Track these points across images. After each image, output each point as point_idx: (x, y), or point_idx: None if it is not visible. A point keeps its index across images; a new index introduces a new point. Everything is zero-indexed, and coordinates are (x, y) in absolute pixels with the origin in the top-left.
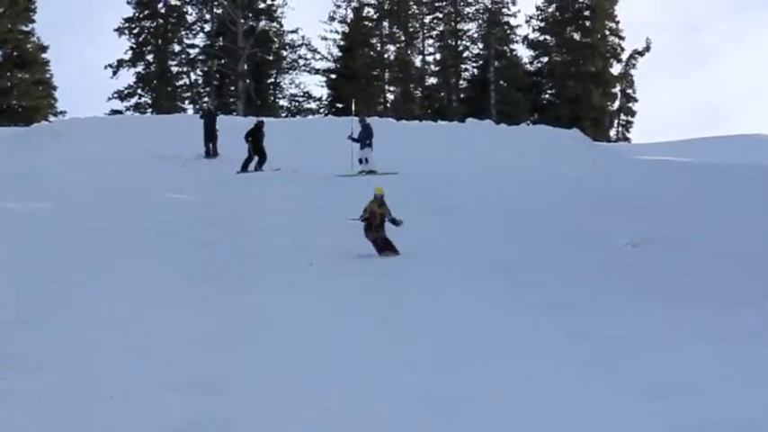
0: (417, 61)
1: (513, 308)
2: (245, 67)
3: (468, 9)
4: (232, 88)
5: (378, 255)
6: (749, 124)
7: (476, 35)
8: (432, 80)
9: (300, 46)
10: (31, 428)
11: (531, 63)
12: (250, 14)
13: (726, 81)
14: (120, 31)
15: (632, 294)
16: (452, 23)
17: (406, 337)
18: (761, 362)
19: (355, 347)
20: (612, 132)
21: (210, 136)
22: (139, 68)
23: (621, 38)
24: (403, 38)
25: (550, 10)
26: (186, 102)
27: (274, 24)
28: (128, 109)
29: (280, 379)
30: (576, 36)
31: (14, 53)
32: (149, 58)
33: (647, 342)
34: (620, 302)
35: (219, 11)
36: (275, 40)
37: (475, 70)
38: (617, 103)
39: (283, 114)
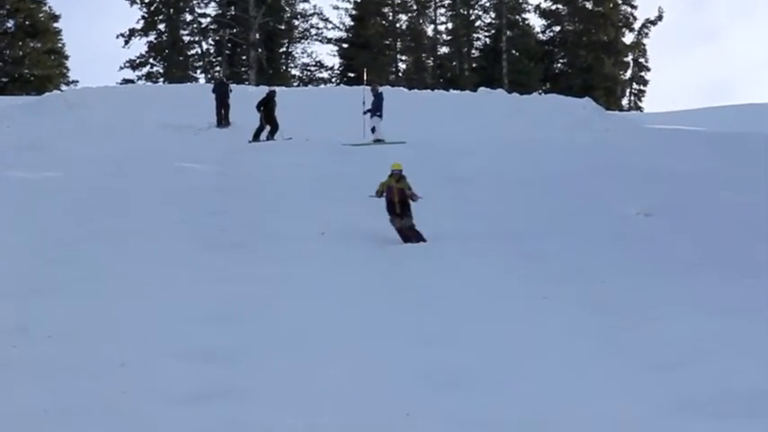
0: (429, 30)
1: (523, 278)
2: (257, 36)
3: None
4: (244, 58)
5: (402, 242)
6: (759, 96)
7: (488, 4)
8: (444, 49)
9: (312, 15)
10: (41, 396)
11: (543, 32)
12: None
13: (733, 56)
14: (131, 0)
15: (643, 264)
16: None
17: (416, 308)
18: (766, 332)
19: (366, 319)
20: (625, 101)
21: (223, 105)
22: (151, 38)
23: (634, 7)
24: (415, 7)
25: None
26: (198, 71)
27: None
28: (139, 78)
29: (291, 349)
30: (588, 5)
31: (26, 22)
32: (161, 27)
33: (658, 312)
34: (631, 272)
35: None
36: (287, 9)
37: (487, 39)
38: (629, 73)
39: (295, 84)
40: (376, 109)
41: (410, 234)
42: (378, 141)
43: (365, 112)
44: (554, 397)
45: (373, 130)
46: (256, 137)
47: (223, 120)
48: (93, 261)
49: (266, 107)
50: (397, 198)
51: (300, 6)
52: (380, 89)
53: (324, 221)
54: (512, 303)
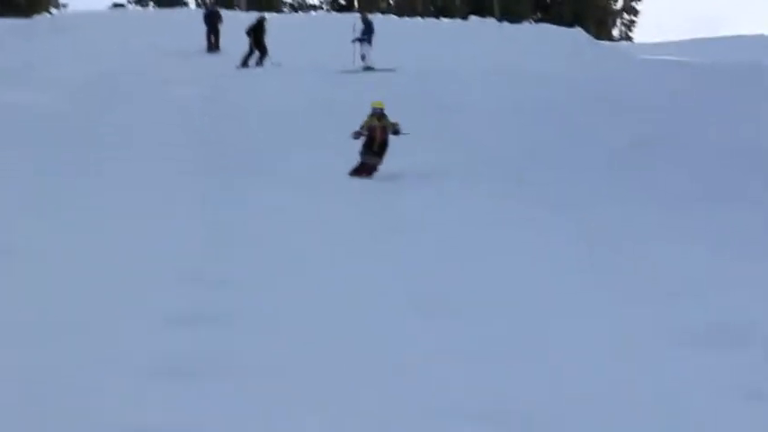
0: None
1: (512, 206)
2: None
3: None
4: None
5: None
6: (747, 29)
7: None
8: None
9: None
10: (29, 312)
11: None
12: None
13: None
14: None
15: (632, 195)
16: None
17: (405, 235)
18: (759, 264)
19: (355, 246)
20: (615, 32)
21: (213, 31)
22: None
23: None
24: None
25: None
26: None
27: None
28: (129, 3)
29: (281, 275)
30: None
31: None
32: None
33: (650, 243)
34: (620, 203)
35: None
36: None
37: None
38: (620, 2)
39: (285, 10)
40: (365, 35)
41: (368, 171)
42: (367, 69)
43: (354, 40)
44: (540, 327)
45: (363, 57)
46: (245, 62)
47: (213, 45)
48: (77, 186)
49: (256, 33)
50: (380, 138)
51: None
52: (370, 17)
53: (311, 144)
54: (498, 231)
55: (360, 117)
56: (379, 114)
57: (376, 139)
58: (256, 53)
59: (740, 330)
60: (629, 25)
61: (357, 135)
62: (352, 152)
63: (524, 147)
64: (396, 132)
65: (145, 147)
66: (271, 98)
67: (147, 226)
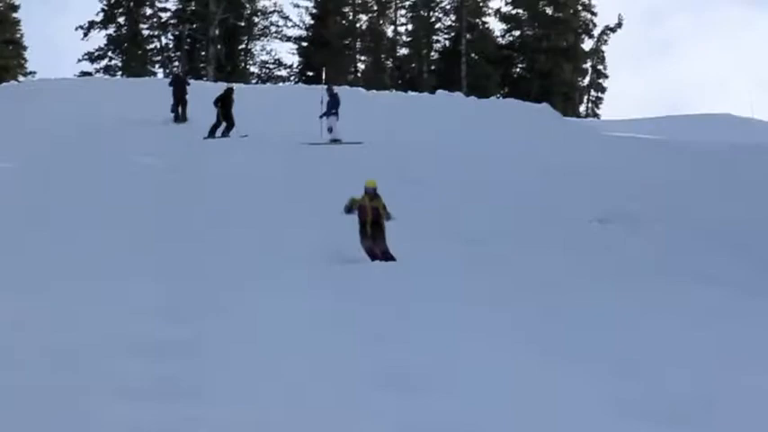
0: (389, 31)
1: (478, 279)
2: (216, 32)
3: None
4: (203, 53)
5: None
6: (710, 109)
7: (448, 7)
8: (403, 51)
9: (272, 12)
10: None
11: (502, 36)
12: None
13: (687, 70)
14: None
15: (598, 271)
16: None
17: (369, 306)
18: (725, 338)
19: (322, 315)
20: (582, 108)
21: (180, 101)
22: (110, 30)
23: (594, 13)
24: (375, 7)
25: None
26: (157, 66)
27: None
28: (98, 71)
29: (244, 344)
30: (549, 10)
31: None
32: (120, 20)
33: (612, 319)
34: (585, 280)
35: None
36: (247, 5)
37: (447, 42)
38: (587, 79)
39: (254, 81)
40: (332, 109)
41: (380, 254)
42: (334, 141)
43: (321, 116)
44: (505, 402)
45: (330, 130)
46: (212, 133)
47: (180, 115)
48: (38, 254)
49: (224, 103)
50: (370, 218)
51: (261, 3)
52: (336, 90)
53: (278, 218)
54: (468, 309)
55: (328, 190)
56: (371, 194)
57: (365, 220)
58: (223, 124)
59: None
60: (596, 102)
61: (348, 210)
62: (317, 225)
63: (487, 220)
64: (386, 218)
65: (102, 214)
66: (236, 171)
67: (100, 294)
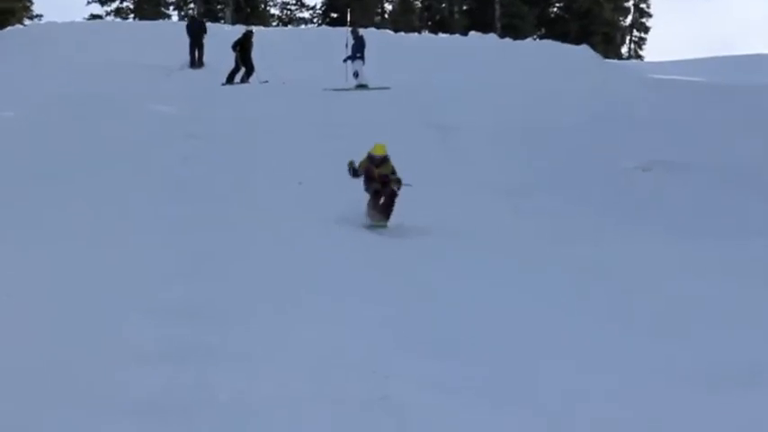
0: None
1: (515, 238)
2: None
3: None
4: None
5: (367, 217)
6: (763, 48)
7: None
8: None
9: None
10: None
11: None
12: None
13: (737, 7)
14: None
15: (642, 224)
16: None
17: (400, 272)
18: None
19: (341, 272)
20: (624, 49)
21: (196, 45)
22: None
23: None
24: None
25: None
26: (171, 8)
27: None
28: (108, 14)
29: (263, 306)
30: None
31: None
32: None
33: (657, 276)
34: (626, 231)
35: None
36: None
37: None
38: (629, 19)
39: (274, 23)
40: (357, 52)
41: (385, 200)
42: (360, 87)
43: (346, 59)
44: (545, 363)
45: (356, 75)
46: (230, 79)
47: (197, 60)
48: (49, 210)
49: (242, 48)
50: (378, 184)
51: None
52: (361, 32)
53: (301, 171)
54: (507, 262)
55: (353, 140)
56: (378, 161)
57: (380, 192)
58: (242, 69)
59: (743, 371)
60: (639, 43)
61: (354, 173)
62: (342, 174)
63: (524, 169)
64: (396, 186)
65: (119, 167)
66: (257, 119)
67: (116, 254)
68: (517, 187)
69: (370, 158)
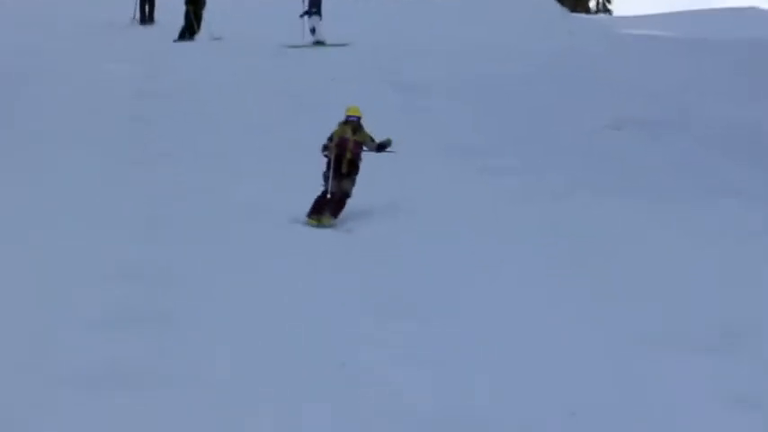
0: None
1: (480, 197)
2: None
3: None
4: None
5: (312, 206)
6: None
7: None
8: None
9: None
10: None
11: None
12: None
13: None
14: None
15: (608, 185)
16: None
17: (362, 218)
18: (741, 259)
19: (302, 240)
20: (592, 3)
21: (147, 0)
22: None
23: None
24: None
25: None
26: None
27: None
28: None
29: (220, 272)
30: None
31: None
32: None
33: (624, 236)
34: (595, 194)
35: None
36: None
37: None
38: None
39: None
40: (313, 7)
41: (334, 202)
42: (318, 43)
43: (302, 14)
44: (515, 331)
45: (313, 31)
46: (182, 36)
47: (147, 17)
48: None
49: (194, 3)
50: (350, 154)
51: None
52: None
53: (257, 126)
54: (469, 226)
55: (309, 98)
56: (355, 124)
57: (343, 155)
58: (195, 25)
59: (728, 333)
60: None
61: (328, 150)
62: (300, 131)
63: (490, 129)
64: (380, 149)
65: (70, 129)
66: (210, 76)
67: (73, 217)
68: (485, 147)
69: (347, 122)
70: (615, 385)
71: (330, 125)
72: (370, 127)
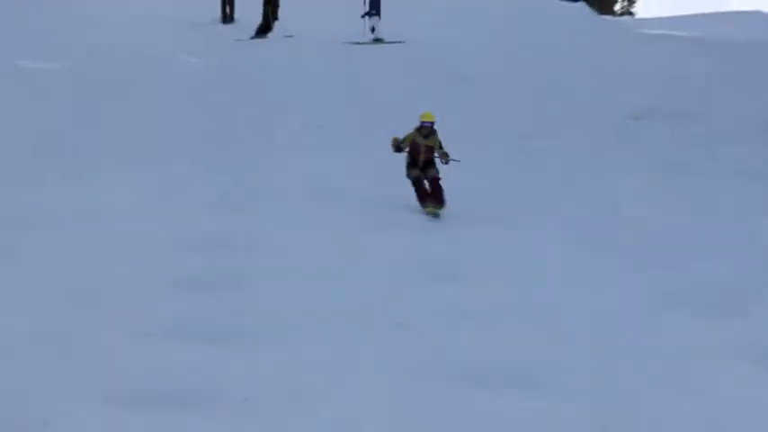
0: None
1: (516, 172)
2: None
3: None
4: None
5: (419, 205)
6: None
7: None
8: None
9: None
10: (49, 281)
11: None
12: None
13: None
14: None
15: (630, 168)
16: None
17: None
18: (746, 233)
19: (361, 215)
20: (617, 7)
21: (227, 0)
22: None
23: None
24: None
25: None
26: None
27: None
28: None
29: (291, 240)
30: None
31: None
32: None
33: (644, 211)
34: (618, 172)
35: None
36: None
37: None
38: None
39: None
40: (373, 8)
41: (431, 189)
42: (377, 41)
43: (363, 15)
44: (543, 293)
45: (372, 29)
46: (258, 33)
47: (227, 16)
48: (89, 151)
49: (271, 3)
50: (424, 157)
51: None
52: None
53: (323, 114)
54: (504, 200)
55: (370, 90)
56: (428, 130)
57: (418, 157)
58: (271, 23)
59: (722, 297)
60: (631, 1)
61: (398, 148)
62: (363, 117)
63: (528, 116)
64: (443, 158)
65: (154, 117)
66: (283, 70)
67: (157, 190)
68: (524, 133)
69: (419, 129)
70: (637, 340)
71: (386, 113)
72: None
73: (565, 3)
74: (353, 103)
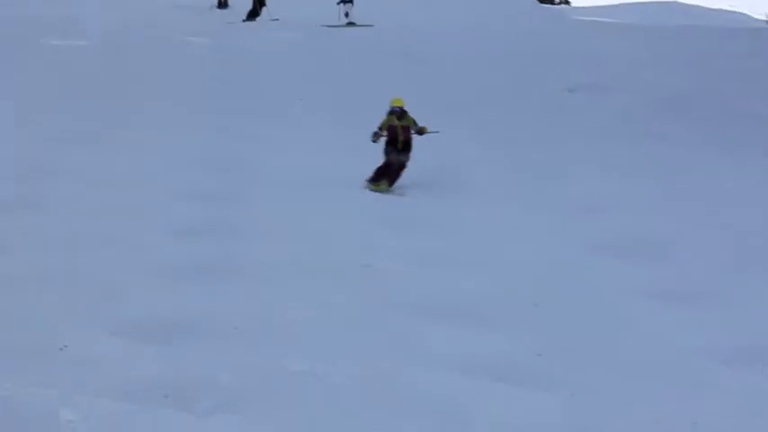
0: None
1: (464, 142)
2: None
3: None
4: None
5: (371, 178)
6: None
7: None
8: None
9: None
10: (64, 230)
11: None
12: None
13: None
14: None
15: (566, 133)
16: None
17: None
18: (664, 188)
19: (336, 168)
20: None
21: None
22: None
23: None
24: None
25: None
26: None
27: None
28: None
29: (279, 196)
30: None
31: None
32: None
33: (571, 170)
34: (555, 139)
35: None
36: None
37: None
38: None
39: None
40: None
41: (395, 172)
42: (350, 24)
43: (339, 2)
44: (484, 239)
45: (347, 14)
46: (248, 17)
47: (223, 1)
48: (104, 117)
49: None
50: (402, 137)
51: None
52: None
53: (303, 89)
54: (453, 160)
55: (341, 65)
56: (398, 113)
57: (397, 138)
58: (259, 9)
59: (639, 243)
60: None
61: (376, 137)
62: (339, 90)
63: (478, 91)
64: (420, 133)
65: (163, 87)
66: (268, 46)
67: (162, 154)
68: (470, 103)
69: (392, 112)
70: (568, 281)
71: (357, 86)
72: (387, 88)
73: None
74: (328, 75)
